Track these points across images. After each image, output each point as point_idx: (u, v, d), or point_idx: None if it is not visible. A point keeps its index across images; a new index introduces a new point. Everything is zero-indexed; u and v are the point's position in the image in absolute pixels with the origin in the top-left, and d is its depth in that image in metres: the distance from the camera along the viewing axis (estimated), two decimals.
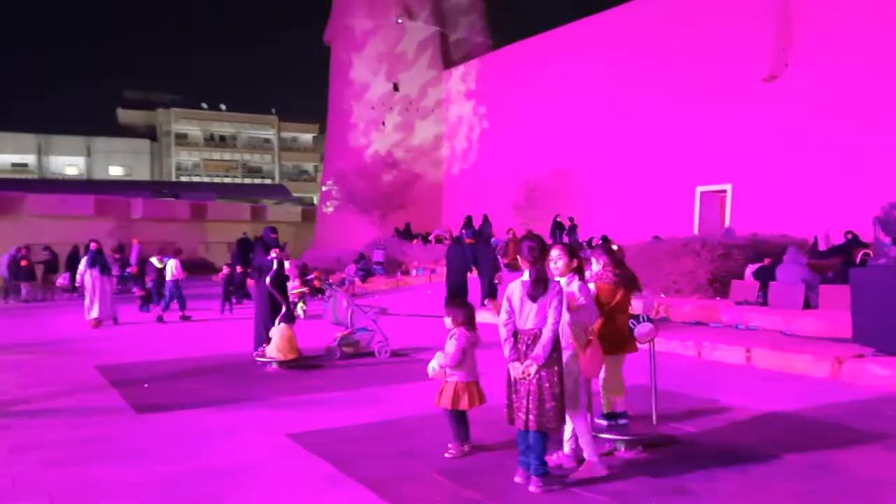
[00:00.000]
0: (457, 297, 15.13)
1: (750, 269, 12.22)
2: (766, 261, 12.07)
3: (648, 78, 23.04)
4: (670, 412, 6.23)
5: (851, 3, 17.51)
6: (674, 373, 8.13)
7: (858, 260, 12.38)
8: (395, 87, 33.98)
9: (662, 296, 12.71)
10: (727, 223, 19.36)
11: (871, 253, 12.17)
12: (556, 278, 4.65)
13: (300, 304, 8.71)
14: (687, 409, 6.45)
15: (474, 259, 15.41)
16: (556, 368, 4.40)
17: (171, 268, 15.07)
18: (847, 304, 8.72)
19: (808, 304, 10.86)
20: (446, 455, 5.12)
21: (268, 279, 9.42)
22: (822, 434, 5.60)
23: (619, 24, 24.64)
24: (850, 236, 15.65)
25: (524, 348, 4.40)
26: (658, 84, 22.67)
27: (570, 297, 4.58)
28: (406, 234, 28.49)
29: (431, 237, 27.59)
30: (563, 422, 4.52)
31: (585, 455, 4.65)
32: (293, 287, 9.40)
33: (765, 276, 11.72)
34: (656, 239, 14.48)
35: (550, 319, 4.35)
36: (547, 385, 4.36)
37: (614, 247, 5.89)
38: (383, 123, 33.91)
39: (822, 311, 10.34)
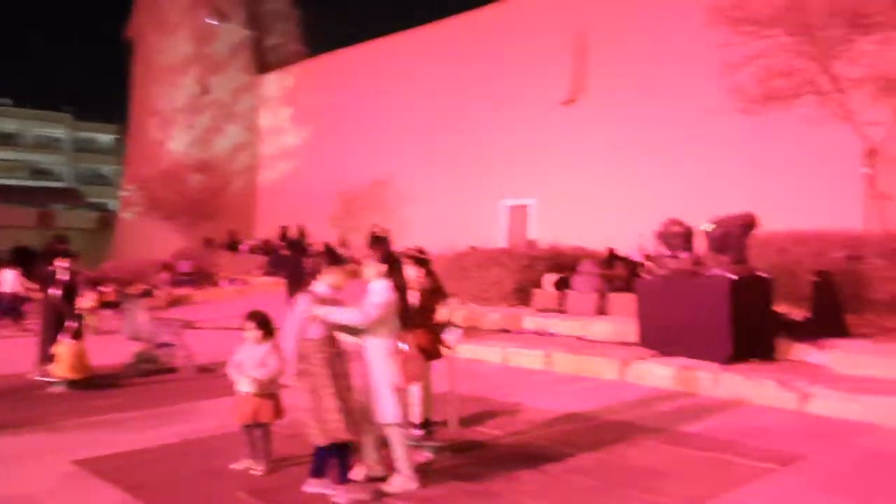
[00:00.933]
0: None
1: (550, 279, 13.03)
2: (565, 272, 12.94)
3: (460, 95, 23.91)
4: (478, 417, 6.48)
5: (640, 34, 19.30)
6: (481, 378, 8.46)
7: (642, 271, 13.62)
8: (205, 90, 32.52)
9: (472, 304, 13.20)
10: (531, 236, 20.50)
11: (652, 264, 13.43)
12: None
13: (89, 318, 8.04)
14: (492, 413, 6.73)
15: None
16: (306, 380, 4.45)
17: (9, 280, 13.32)
18: (633, 311, 9.55)
19: (600, 311, 11.76)
20: (252, 472, 4.96)
21: (55, 291, 8.60)
22: (611, 431, 6.08)
23: (431, 42, 25.37)
24: (635, 248, 17.19)
25: None
26: (469, 101, 23.58)
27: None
28: (231, 245, 27.24)
29: (244, 247, 26.67)
30: (325, 435, 4.40)
31: (398, 467, 4.65)
32: (84, 299, 8.69)
33: (563, 286, 12.55)
34: (473, 249, 15.07)
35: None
36: (303, 397, 4.45)
37: (423, 257, 6.03)
38: (192, 127, 32.30)
39: (613, 318, 11.22)
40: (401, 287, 4.81)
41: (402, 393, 4.67)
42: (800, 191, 14.51)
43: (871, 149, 11.73)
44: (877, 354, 7.68)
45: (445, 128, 24.32)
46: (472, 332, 11.29)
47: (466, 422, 6.17)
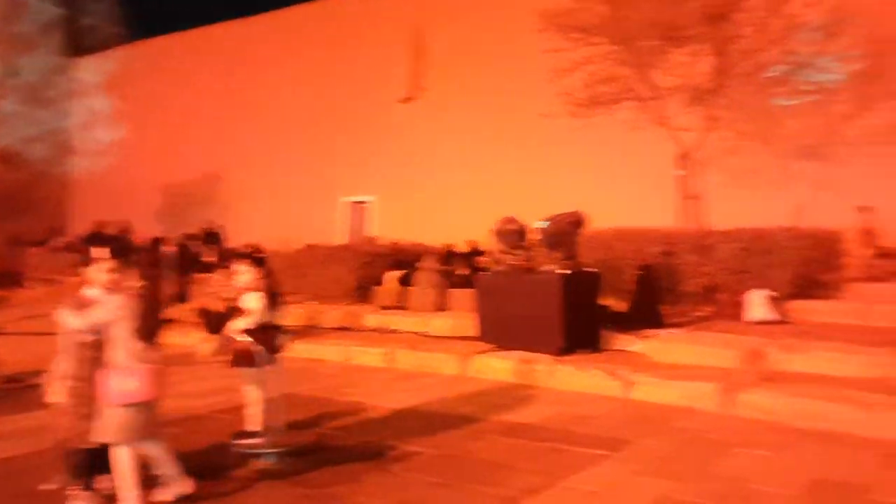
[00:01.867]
0: None
1: (390, 276, 13.06)
2: (405, 268, 13.00)
3: (298, 88, 23.38)
4: (319, 418, 6.34)
5: (477, 36, 19.79)
6: (322, 378, 8.30)
7: (479, 266, 13.99)
8: (11, 71, 29.42)
9: (311, 303, 12.92)
10: (371, 232, 20.45)
11: (489, 260, 13.84)
12: None
13: None
14: (334, 413, 6.60)
15: None
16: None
17: None
18: (472, 306, 9.76)
19: (440, 307, 11.94)
20: (69, 492, 4.51)
21: None
22: (453, 426, 6.16)
23: (268, 32, 24.58)
24: (473, 245, 17.63)
25: None
26: (307, 95, 23.12)
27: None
28: (43, 241, 24.80)
29: (59, 244, 24.46)
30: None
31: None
32: None
33: (404, 282, 12.62)
34: (310, 246, 14.76)
35: None
36: None
37: (260, 256, 5.77)
38: None
39: (452, 313, 11.42)
40: (147, 299, 4.47)
41: (117, 412, 4.18)
42: (623, 190, 15.57)
43: (684, 152, 12.79)
44: (688, 342, 8.36)
45: (283, 122, 23.69)
46: (311, 331, 11.08)
47: (308, 424, 6.02)
